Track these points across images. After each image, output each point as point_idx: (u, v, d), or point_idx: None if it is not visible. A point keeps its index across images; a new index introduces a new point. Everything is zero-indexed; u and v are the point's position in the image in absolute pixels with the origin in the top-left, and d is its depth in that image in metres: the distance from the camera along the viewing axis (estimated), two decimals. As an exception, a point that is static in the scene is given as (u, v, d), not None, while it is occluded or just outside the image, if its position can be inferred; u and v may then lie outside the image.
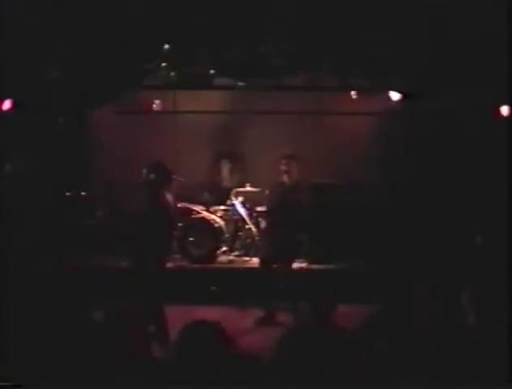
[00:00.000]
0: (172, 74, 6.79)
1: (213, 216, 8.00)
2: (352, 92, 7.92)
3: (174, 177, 7.80)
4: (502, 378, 3.16)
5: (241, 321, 6.40)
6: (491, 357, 3.31)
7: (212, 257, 7.86)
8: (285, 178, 6.61)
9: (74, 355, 3.51)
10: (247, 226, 8.02)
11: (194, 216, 8.02)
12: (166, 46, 6.09)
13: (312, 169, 8.82)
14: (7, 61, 5.76)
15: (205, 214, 8.04)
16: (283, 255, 6.63)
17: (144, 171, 6.02)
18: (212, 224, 7.84)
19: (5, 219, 6.61)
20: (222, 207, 8.15)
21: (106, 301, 3.90)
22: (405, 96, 7.04)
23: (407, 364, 3.22)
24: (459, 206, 7.33)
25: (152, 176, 5.95)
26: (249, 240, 7.95)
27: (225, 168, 8.66)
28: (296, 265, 7.68)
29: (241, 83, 7.38)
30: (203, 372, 2.94)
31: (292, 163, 6.60)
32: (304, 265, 7.85)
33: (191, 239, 7.82)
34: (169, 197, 6.10)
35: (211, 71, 6.60)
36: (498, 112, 6.23)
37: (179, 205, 8.13)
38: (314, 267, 7.82)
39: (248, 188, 8.04)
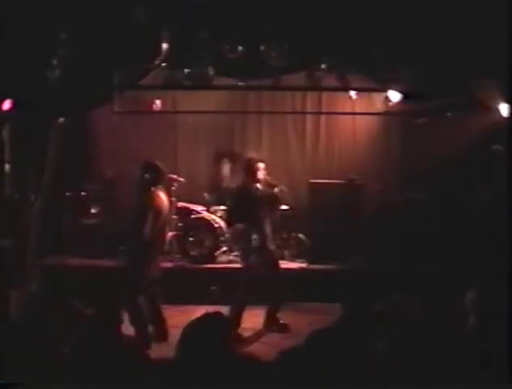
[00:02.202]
0: (172, 74, 6.77)
1: (213, 216, 8.00)
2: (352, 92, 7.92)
3: (174, 176, 7.90)
4: (502, 378, 3.15)
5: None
6: (491, 358, 3.31)
7: (212, 257, 7.86)
8: (256, 179, 6.46)
9: (73, 354, 3.51)
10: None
11: (194, 216, 8.02)
12: (166, 46, 6.07)
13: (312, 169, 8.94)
14: (7, 61, 5.75)
15: (205, 214, 8.04)
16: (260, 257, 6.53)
17: (138, 170, 6.09)
18: (212, 224, 7.83)
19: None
20: (222, 207, 8.14)
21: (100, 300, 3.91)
22: (405, 96, 7.03)
23: (407, 364, 3.22)
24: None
25: (145, 175, 6.01)
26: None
27: (225, 168, 8.64)
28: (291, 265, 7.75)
29: (241, 83, 7.37)
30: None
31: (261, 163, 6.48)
32: (304, 265, 7.88)
33: (191, 239, 7.82)
34: (164, 196, 6.13)
35: (211, 71, 6.59)
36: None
37: (179, 205, 8.15)
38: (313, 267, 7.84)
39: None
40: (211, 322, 3.15)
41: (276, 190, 6.56)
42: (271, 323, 6.49)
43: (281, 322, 6.51)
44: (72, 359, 3.39)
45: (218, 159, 8.66)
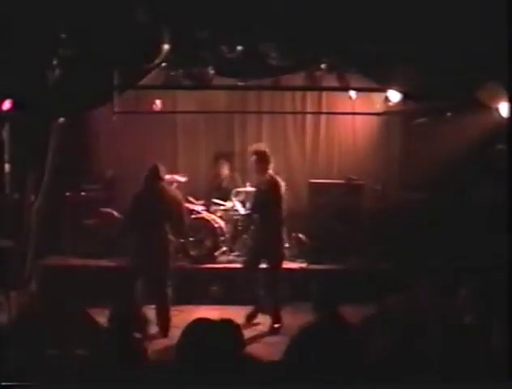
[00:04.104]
0: (172, 74, 6.78)
1: (213, 216, 8.00)
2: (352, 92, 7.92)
3: (174, 176, 7.91)
4: (502, 376, 3.16)
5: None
6: (491, 356, 3.31)
7: (212, 257, 7.86)
8: (262, 176, 6.55)
9: (74, 355, 3.51)
10: (247, 226, 8.00)
11: (194, 216, 8.01)
12: (166, 46, 6.07)
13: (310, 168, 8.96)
14: (7, 61, 5.76)
15: (205, 214, 8.04)
16: (265, 256, 6.61)
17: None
18: (212, 224, 7.83)
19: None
20: (222, 207, 8.14)
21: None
22: (405, 96, 7.02)
23: (407, 363, 3.22)
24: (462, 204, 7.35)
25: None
26: (249, 240, 7.93)
27: (225, 168, 8.64)
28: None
29: (241, 83, 7.37)
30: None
31: (264, 159, 6.51)
32: (304, 265, 7.88)
33: (191, 239, 7.82)
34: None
35: (211, 71, 6.58)
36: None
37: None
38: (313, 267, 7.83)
39: (248, 188, 8.02)
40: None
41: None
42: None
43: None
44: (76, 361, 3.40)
45: (217, 158, 8.67)
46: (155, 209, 6.24)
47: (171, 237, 6.38)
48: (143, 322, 3.54)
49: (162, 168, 6.40)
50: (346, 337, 3.49)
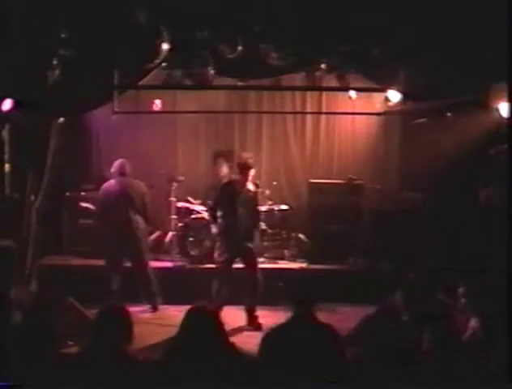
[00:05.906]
0: (172, 74, 6.77)
1: (213, 216, 7.98)
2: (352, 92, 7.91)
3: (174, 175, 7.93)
4: (502, 378, 3.16)
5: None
6: (491, 357, 3.31)
7: (212, 257, 7.84)
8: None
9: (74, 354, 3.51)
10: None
11: (194, 216, 8.01)
12: (166, 46, 6.07)
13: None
14: (7, 61, 5.76)
15: (205, 214, 8.03)
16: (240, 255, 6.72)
17: None
18: (212, 224, 7.82)
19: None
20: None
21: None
22: (405, 96, 7.02)
23: (407, 364, 3.22)
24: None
25: None
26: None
27: (224, 168, 8.62)
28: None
29: (241, 83, 7.37)
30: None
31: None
32: (304, 265, 7.88)
33: (191, 239, 7.81)
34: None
35: (211, 71, 6.58)
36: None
37: (179, 205, 8.14)
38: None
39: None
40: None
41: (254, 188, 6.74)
42: (249, 322, 6.56)
43: (258, 321, 6.53)
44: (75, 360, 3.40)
45: (215, 158, 8.65)
46: (123, 201, 6.94)
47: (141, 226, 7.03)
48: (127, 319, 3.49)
49: (128, 165, 7.08)
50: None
